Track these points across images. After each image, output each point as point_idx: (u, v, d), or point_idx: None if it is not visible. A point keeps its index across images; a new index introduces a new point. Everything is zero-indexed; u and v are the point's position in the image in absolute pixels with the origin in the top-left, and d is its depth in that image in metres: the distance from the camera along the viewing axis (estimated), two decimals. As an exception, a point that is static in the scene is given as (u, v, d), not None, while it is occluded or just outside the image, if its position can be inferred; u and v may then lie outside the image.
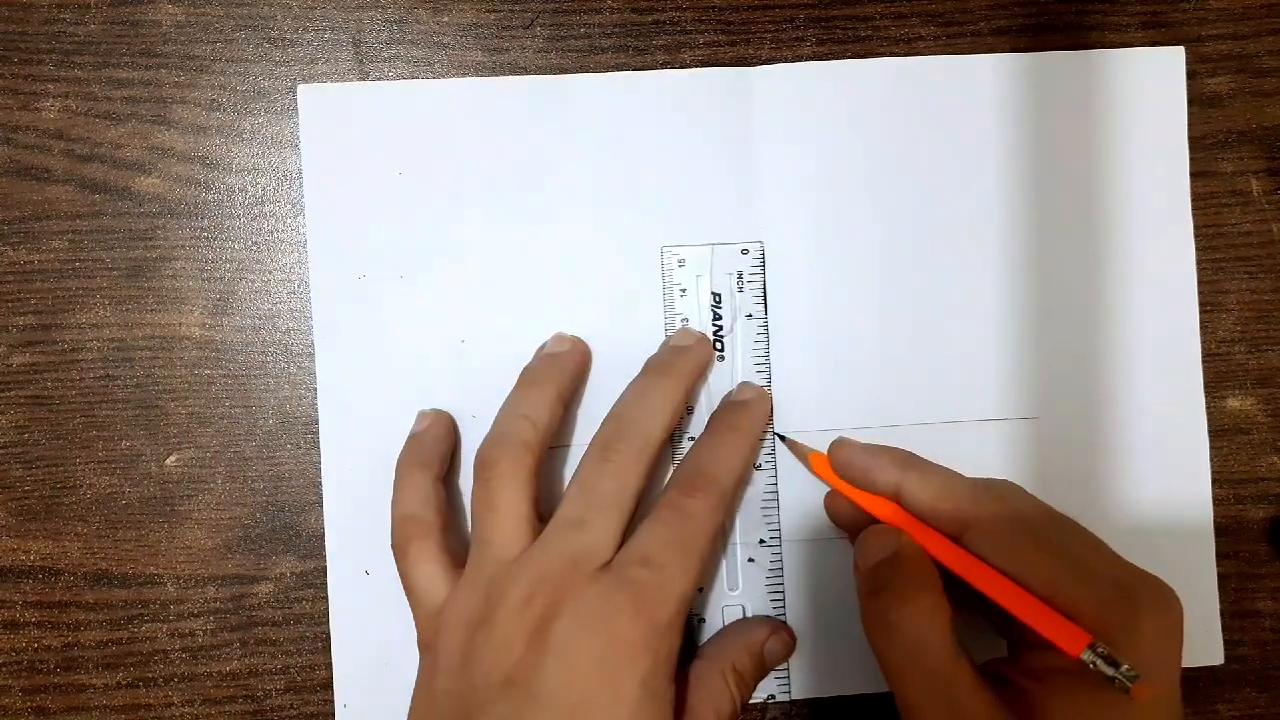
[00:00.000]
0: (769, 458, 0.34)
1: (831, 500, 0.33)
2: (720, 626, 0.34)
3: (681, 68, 0.34)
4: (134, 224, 0.34)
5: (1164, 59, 0.35)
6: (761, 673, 0.32)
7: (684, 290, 0.34)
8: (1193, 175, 0.35)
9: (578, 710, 0.26)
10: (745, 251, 0.34)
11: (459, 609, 0.29)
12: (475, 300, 0.34)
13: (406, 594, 0.31)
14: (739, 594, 0.34)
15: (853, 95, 0.34)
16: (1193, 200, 0.35)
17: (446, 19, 0.34)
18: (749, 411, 0.33)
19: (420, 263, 0.34)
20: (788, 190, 0.34)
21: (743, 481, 0.34)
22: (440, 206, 0.34)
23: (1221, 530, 0.35)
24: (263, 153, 0.34)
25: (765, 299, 0.34)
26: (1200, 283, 0.35)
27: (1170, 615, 0.27)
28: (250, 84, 0.34)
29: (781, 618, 0.34)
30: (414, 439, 0.33)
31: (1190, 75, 0.35)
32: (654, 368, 0.32)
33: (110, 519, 0.34)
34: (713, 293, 0.34)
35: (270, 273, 0.34)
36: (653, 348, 0.33)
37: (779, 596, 0.34)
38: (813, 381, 0.34)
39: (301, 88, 0.34)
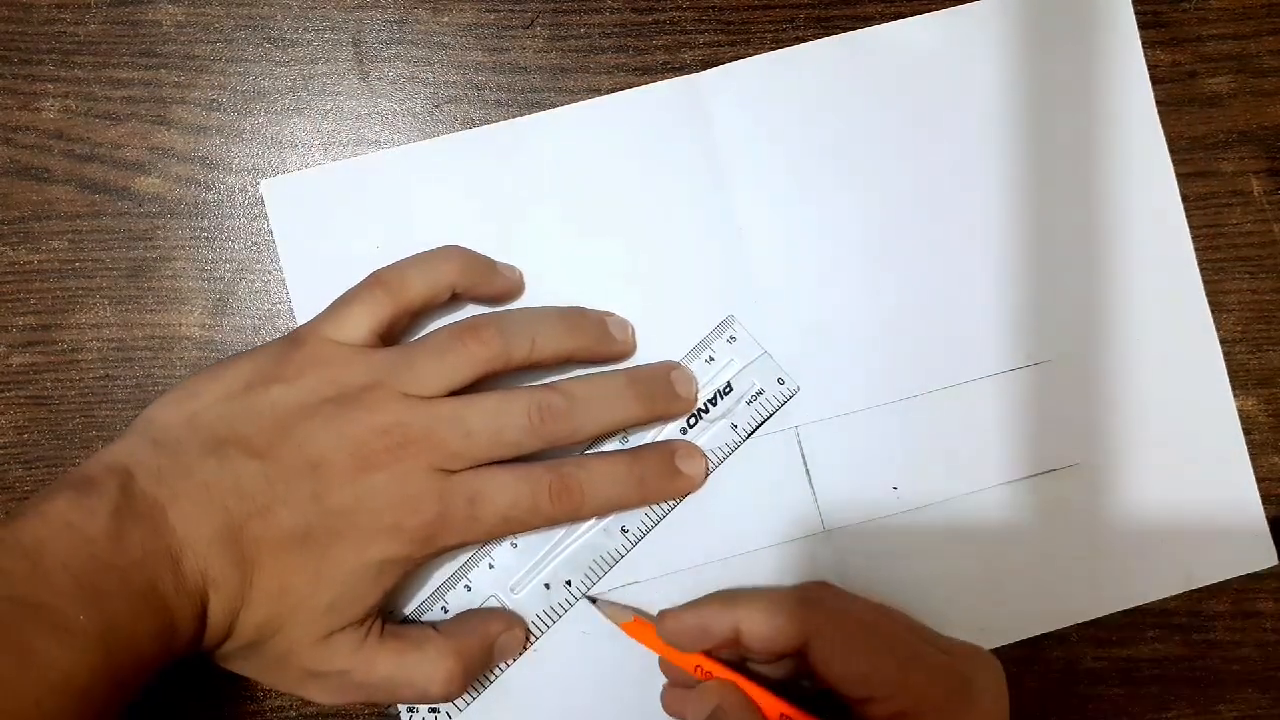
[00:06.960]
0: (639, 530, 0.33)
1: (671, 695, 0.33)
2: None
3: (681, 68, 0.34)
4: (134, 224, 0.34)
5: None
6: (488, 665, 0.32)
7: (711, 358, 0.34)
8: (1193, 175, 0.35)
9: (362, 527, 0.29)
10: (781, 381, 0.34)
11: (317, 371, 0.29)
12: None
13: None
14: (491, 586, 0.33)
15: (807, 80, 0.34)
16: (1193, 201, 0.35)
17: (446, 19, 0.34)
18: (682, 481, 0.33)
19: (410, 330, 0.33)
20: (763, 186, 0.34)
21: (607, 511, 0.33)
22: None
23: (1222, 530, 0.35)
24: (263, 153, 0.34)
25: (756, 429, 0.34)
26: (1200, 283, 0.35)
27: (1000, 684, 0.30)
28: (250, 84, 0.34)
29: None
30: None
31: (1191, 75, 0.35)
32: (622, 372, 0.33)
33: (110, 519, 0.34)
34: (728, 382, 0.34)
35: (270, 273, 0.34)
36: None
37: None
38: (817, 367, 0.34)
39: (264, 183, 0.34)
